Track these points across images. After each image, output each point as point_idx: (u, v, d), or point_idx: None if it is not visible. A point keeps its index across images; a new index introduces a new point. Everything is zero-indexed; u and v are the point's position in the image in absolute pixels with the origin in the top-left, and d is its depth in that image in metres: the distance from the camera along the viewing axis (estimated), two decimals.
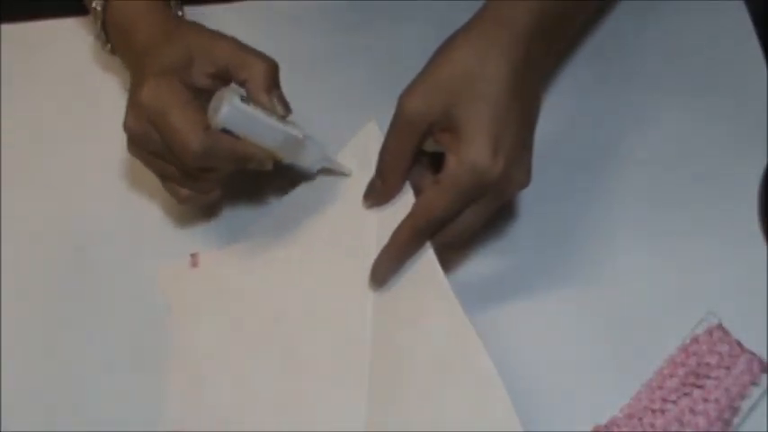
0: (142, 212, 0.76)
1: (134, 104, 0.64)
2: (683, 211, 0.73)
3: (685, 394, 0.64)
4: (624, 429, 0.63)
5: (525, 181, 0.65)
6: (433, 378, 0.62)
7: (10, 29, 0.85)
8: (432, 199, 0.64)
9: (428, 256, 0.65)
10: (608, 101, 0.78)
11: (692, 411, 0.63)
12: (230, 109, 0.63)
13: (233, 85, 0.66)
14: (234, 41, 0.67)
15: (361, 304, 0.67)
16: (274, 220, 0.73)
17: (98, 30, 0.72)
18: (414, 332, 0.64)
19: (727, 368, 0.64)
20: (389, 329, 0.65)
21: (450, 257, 0.69)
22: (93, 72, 0.82)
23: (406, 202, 0.66)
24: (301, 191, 0.73)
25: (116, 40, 0.72)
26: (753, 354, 0.65)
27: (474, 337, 0.61)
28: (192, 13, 0.85)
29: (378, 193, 0.67)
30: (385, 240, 0.65)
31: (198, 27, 0.68)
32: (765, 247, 0.71)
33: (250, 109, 0.64)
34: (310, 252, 0.70)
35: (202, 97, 0.65)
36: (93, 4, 0.72)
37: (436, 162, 0.66)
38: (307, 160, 0.69)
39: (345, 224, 0.69)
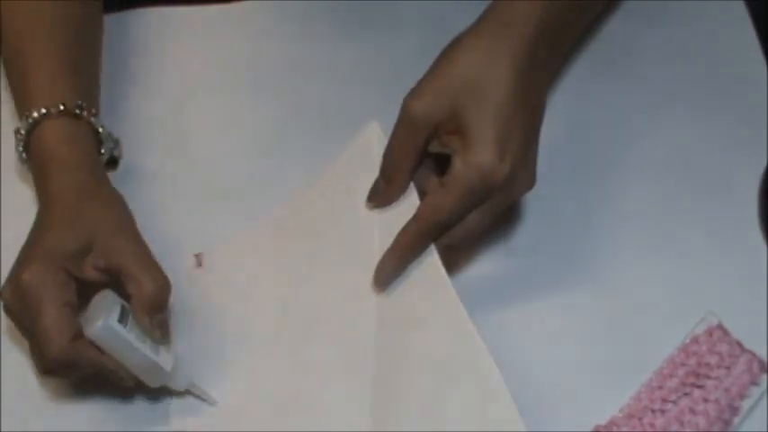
0: (144, 212, 0.76)
1: (14, 280, 0.63)
2: (683, 212, 0.73)
3: (685, 394, 0.64)
4: (624, 429, 0.63)
5: (530, 183, 0.66)
6: (436, 379, 0.62)
7: None
8: (437, 201, 0.64)
9: (432, 259, 0.65)
10: (608, 102, 0.78)
11: (692, 411, 0.63)
12: (103, 327, 0.61)
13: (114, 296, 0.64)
14: (136, 248, 0.65)
15: (365, 306, 0.67)
16: (277, 220, 0.73)
17: (19, 150, 0.71)
18: (417, 334, 0.64)
19: (727, 368, 0.65)
20: (393, 331, 0.65)
21: (453, 259, 0.69)
22: None
23: (410, 204, 0.66)
24: (303, 194, 0.73)
25: (33, 165, 0.71)
26: (753, 354, 0.65)
27: (477, 339, 0.61)
28: (193, 12, 0.86)
29: (382, 195, 0.67)
30: (388, 242, 0.65)
31: (108, 213, 0.66)
32: (765, 247, 0.71)
33: (123, 332, 0.62)
34: (314, 253, 0.70)
35: (84, 292, 0.64)
36: (19, 125, 0.70)
37: (441, 164, 0.66)
38: (173, 385, 0.66)
39: (348, 225, 0.69)
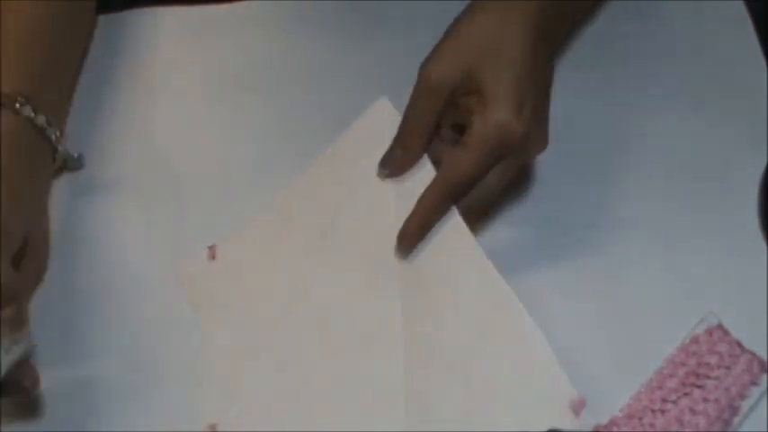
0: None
1: None
2: (683, 212, 0.73)
3: (685, 394, 0.64)
4: (624, 429, 0.63)
5: (544, 143, 0.67)
6: (470, 336, 0.62)
7: None
8: (458, 159, 0.64)
9: (455, 220, 0.65)
10: (607, 101, 0.78)
11: (692, 411, 0.63)
12: None
13: None
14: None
15: (387, 274, 0.66)
16: (287, 200, 0.73)
17: None
18: (447, 293, 0.64)
19: (727, 368, 0.64)
20: (421, 294, 0.65)
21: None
22: (90, 70, 0.82)
23: (425, 173, 0.66)
24: (312, 171, 0.73)
25: None
26: (753, 354, 0.65)
27: (509, 293, 0.62)
28: (193, 12, 0.86)
29: (397, 162, 0.67)
30: (404, 214, 0.65)
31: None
32: (765, 247, 0.71)
33: None
34: (329, 230, 0.70)
35: None
36: None
37: (456, 139, 0.67)
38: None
39: (362, 199, 0.69)
